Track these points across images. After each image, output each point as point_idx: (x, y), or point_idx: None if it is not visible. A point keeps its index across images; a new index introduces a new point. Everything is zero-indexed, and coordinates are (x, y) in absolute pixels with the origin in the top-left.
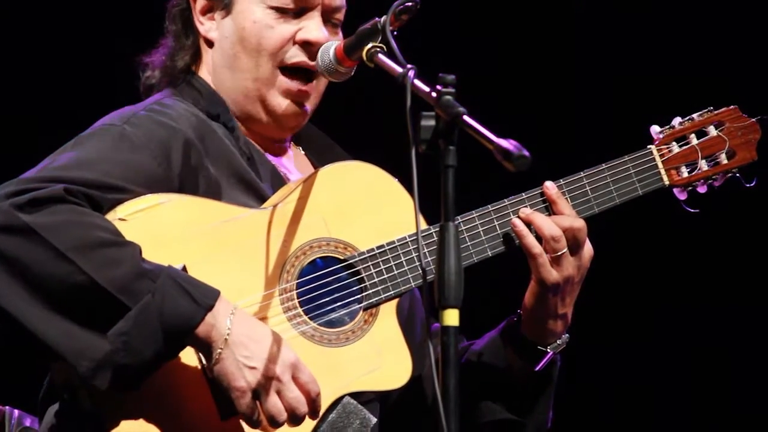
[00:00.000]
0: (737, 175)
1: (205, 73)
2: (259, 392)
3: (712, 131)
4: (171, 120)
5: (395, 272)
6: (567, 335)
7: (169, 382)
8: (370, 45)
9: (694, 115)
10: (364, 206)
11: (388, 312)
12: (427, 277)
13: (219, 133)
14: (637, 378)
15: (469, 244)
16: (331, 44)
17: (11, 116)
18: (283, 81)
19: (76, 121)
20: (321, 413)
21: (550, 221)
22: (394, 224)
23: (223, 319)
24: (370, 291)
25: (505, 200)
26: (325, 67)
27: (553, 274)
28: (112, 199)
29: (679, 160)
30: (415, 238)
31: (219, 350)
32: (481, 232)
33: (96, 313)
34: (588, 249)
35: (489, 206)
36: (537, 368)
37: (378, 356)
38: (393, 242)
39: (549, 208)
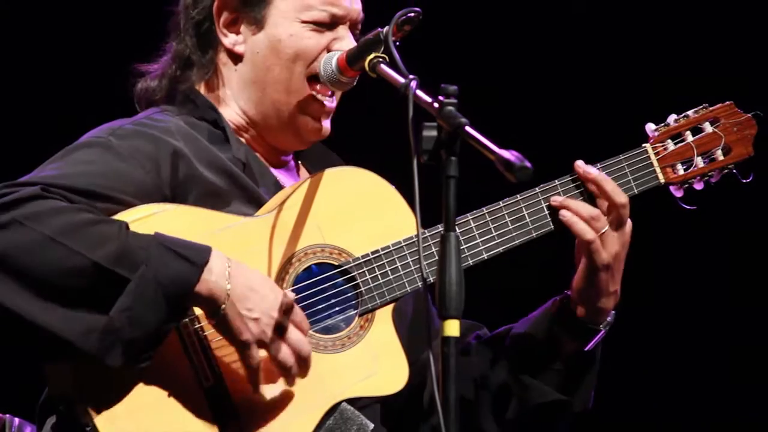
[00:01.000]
0: (734, 171)
1: (218, 88)
2: (264, 341)
3: (708, 128)
4: (158, 132)
5: (390, 277)
6: (614, 312)
7: (165, 393)
8: (372, 55)
9: (689, 112)
10: (358, 212)
11: (384, 317)
12: (424, 283)
13: (206, 142)
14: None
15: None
16: (333, 54)
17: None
18: (313, 93)
19: (73, 131)
20: (318, 420)
21: (584, 203)
22: (388, 229)
23: (221, 274)
24: (366, 296)
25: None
26: (328, 77)
27: (603, 256)
28: (102, 208)
29: (674, 157)
30: (411, 242)
31: (223, 306)
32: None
33: (94, 293)
34: (629, 224)
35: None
36: (587, 348)
37: (374, 362)
38: (388, 247)
39: (584, 191)
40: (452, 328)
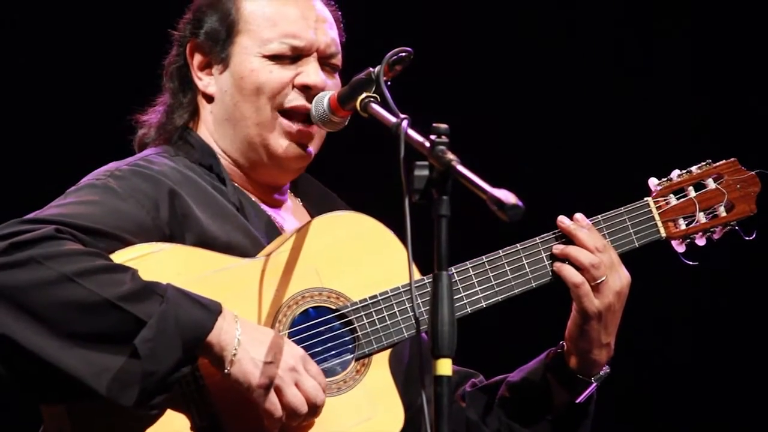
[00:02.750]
0: (736, 228)
1: (202, 129)
2: (279, 386)
3: (711, 184)
4: (155, 173)
5: (388, 323)
6: (608, 367)
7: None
8: (363, 95)
9: (693, 168)
10: (356, 256)
11: (380, 362)
12: (421, 328)
13: (204, 184)
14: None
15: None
16: (325, 94)
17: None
18: (284, 123)
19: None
20: None
21: (586, 251)
22: (386, 274)
23: (231, 324)
24: (363, 341)
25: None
26: (319, 117)
27: (595, 303)
28: (103, 247)
29: (676, 212)
30: (408, 288)
31: (234, 352)
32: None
33: (109, 333)
34: (625, 275)
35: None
36: (579, 400)
37: (370, 406)
38: (386, 293)
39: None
40: (445, 367)
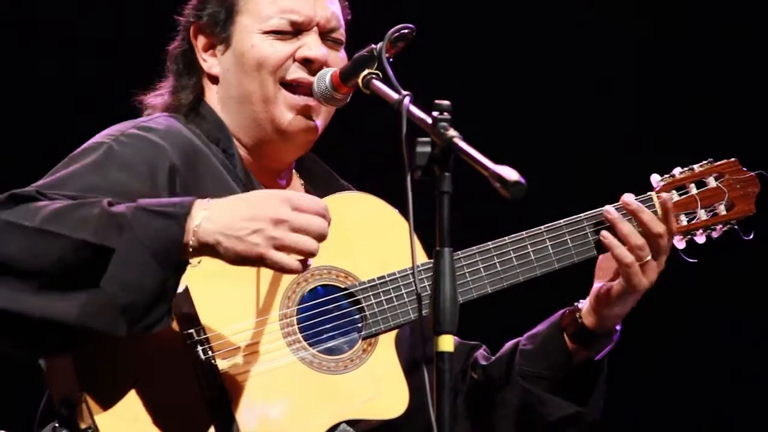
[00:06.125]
0: (736, 227)
1: (213, 105)
2: (277, 241)
3: (712, 182)
4: (160, 138)
5: (395, 303)
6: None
7: (167, 401)
8: (365, 72)
9: (694, 166)
10: (366, 236)
11: (387, 342)
12: (419, 303)
13: (213, 159)
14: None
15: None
16: (328, 71)
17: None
18: (287, 96)
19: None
20: None
21: (635, 231)
22: (396, 255)
23: (203, 217)
24: (370, 321)
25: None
26: (321, 94)
27: (642, 281)
28: None
29: (678, 208)
30: (418, 269)
31: (221, 245)
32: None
33: (87, 272)
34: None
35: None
36: (599, 357)
37: (375, 385)
38: (393, 274)
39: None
40: (446, 343)
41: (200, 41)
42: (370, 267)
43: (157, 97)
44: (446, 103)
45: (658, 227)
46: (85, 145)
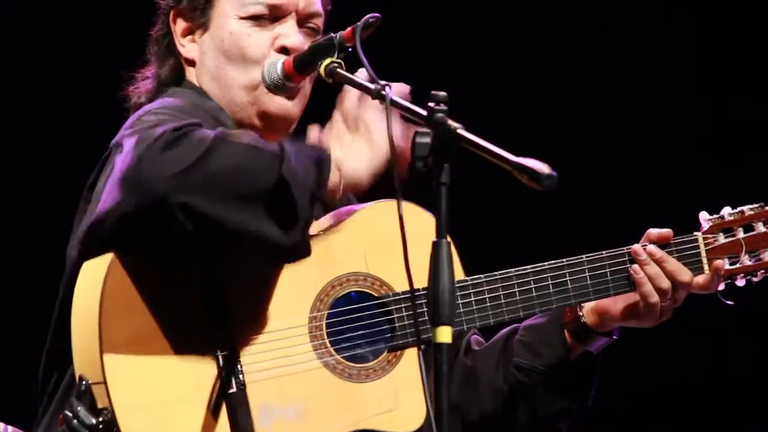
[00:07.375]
0: None
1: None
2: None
3: (761, 227)
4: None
5: (426, 318)
6: None
7: (188, 395)
8: (328, 60)
9: (745, 208)
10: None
11: (412, 356)
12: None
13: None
14: None
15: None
16: (279, 58)
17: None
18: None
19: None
20: None
21: (662, 274)
22: None
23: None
24: (398, 333)
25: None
26: (272, 82)
27: (660, 318)
28: None
29: (723, 251)
30: (457, 285)
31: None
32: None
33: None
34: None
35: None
36: (596, 351)
37: (395, 398)
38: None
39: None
40: (444, 334)
41: (179, 26)
42: (405, 277)
43: (142, 84)
44: (442, 93)
45: (685, 276)
46: (131, 122)
